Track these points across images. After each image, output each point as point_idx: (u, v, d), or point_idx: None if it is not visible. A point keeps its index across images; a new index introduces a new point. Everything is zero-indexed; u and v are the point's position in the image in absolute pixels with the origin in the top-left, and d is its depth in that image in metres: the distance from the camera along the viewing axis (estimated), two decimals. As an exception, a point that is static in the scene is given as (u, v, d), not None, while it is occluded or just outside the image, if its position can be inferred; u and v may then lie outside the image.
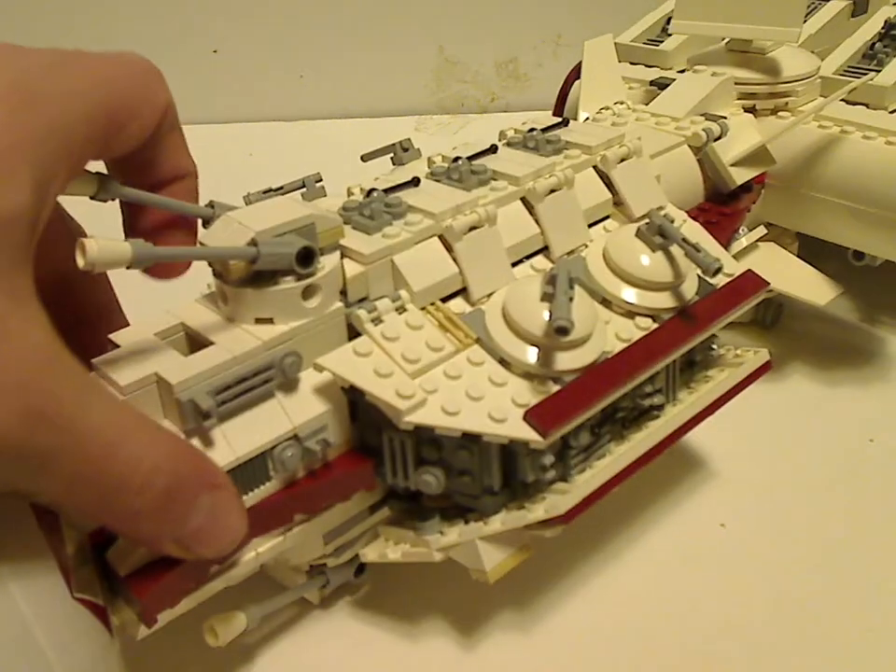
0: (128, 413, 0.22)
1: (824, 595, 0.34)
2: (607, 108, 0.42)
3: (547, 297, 0.28)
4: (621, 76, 0.46)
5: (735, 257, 0.40)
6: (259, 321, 0.27)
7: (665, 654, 0.31)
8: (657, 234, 0.30)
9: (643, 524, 0.36)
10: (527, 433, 0.26)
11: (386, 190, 0.31)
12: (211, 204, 0.25)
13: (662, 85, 0.48)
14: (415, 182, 0.32)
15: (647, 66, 0.53)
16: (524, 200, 0.32)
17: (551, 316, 0.27)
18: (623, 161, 0.34)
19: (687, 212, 0.38)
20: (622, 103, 0.43)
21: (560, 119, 0.37)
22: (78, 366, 0.20)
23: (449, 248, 0.30)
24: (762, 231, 0.42)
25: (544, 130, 0.36)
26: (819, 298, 0.42)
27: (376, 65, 0.74)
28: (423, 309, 0.29)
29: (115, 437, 0.20)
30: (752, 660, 0.31)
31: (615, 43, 0.52)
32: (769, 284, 0.33)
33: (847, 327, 0.49)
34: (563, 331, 0.26)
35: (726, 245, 0.39)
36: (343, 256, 0.28)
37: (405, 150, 0.40)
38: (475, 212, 0.30)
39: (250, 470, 0.26)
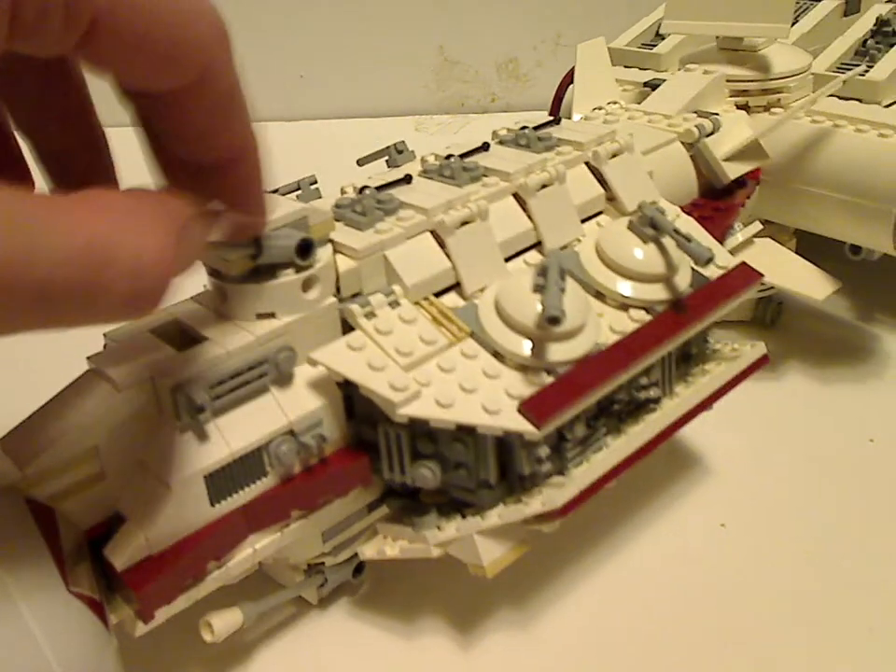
0: (99, 217, 0.18)
1: (824, 594, 0.33)
2: (600, 108, 0.43)
3: (538, 288, 0.28)
4: (614, 78, 0.47)
5: (731, 253, 0.40)
6: (259, 316, 0.27)
7: (664, 652, 0.31)
8: (649, 226, 0.31)
9: (641, 523, 0.36)
10: (522, 425, 0.26)
11: (379, 188, 0.32)
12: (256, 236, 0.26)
13: (654, 86, 0.48)
14: (407, 179, 0.32)
15: (641, 69, 0.53)
16: (516, 196, 0.32)
17: (542, 307, 0.27)
18: (614, 156, 0.35)
19: (681, 208, 0.38)
20: (615, 102, 0.43)
21: (552, 119, 0.37)
22: (25, 195, 0.17)
23: (441, 244, 0.30)
24: (757, 226, 0.42)
25: (536, 128, 0.36)
26: (818, 293, 0.42)
27: (376, 65, 0.74)
28: (416, 304, 0.29)
29: (97, 261, 0.17)
30: (753, 660, 0.31)
31: (609, 48, 0.52)
32: (763, 276, 0.33)
33: (846, 325, 0.49)
34: (554, 321, 0.26)
35: (721, 240, 0.39)
36: (335, 252, 0.29)
37: (399, 152, 0.40)
38: (467, 207, 0.30)
39: (246, 466, 0.26)
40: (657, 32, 0.58)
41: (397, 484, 0.29)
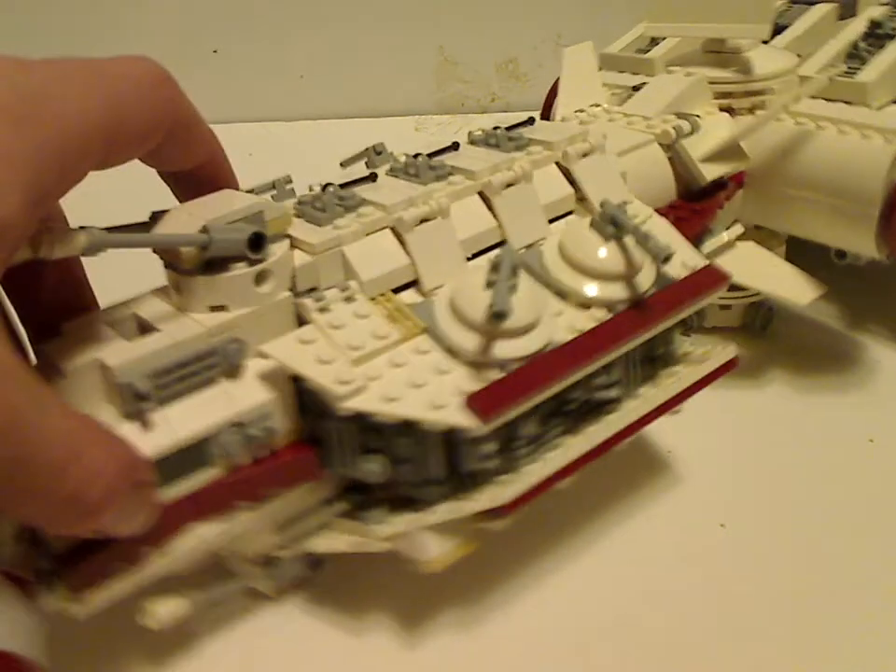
0: (84, 425, 0.22)
1: (825, 595, 0.33)
2: (581, 111, 0.42)
3: (490, 284, 0.28)
4: (601, 82, 0.46)
5: (709, 255, 0.40)
6: (212, 309, 0.27)
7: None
8: (610, 224, 0.30)
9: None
10: (466, 420, 0.26)
11: (343, 185, 0.32)
12: (205, 229, 0.26)
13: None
14: (373, 177, 0.32)
15: (633, 74, 0.53)
16: (481, 194, 0.32)
17: (490, 303, 0.27)
18: (585, 156, 0.35)
19: (658, 210, 0.38)
20: (597, 105, 0.43)
21: (526, 119, 0.37)
22: (34, 377, 0.21)
23: (401, 240, 0.30)
24: (739, 229, 0.41)
25: (508, 128, 0.36)
26: (801, 298, 0.41)
27: (376, 65, 0.74)
28: (373, 300, 0.29)
29: (70, 452, 0.21)
30: (753, 659, 0.31)
31: (602, 54, 0.52)
32: (731, 277, 0.33)
33: (836, 333, 0.48)
34: (500, 316, 0.26)
35: (695, 241, 0.39)
36: (293, 247, 0.29)
37: (378, 153, 0.40)
38: (427, 204, 0.30)
39: (191, 455, 0.26)
40: (651, 39, 0.57)
41: (350, 478, 0.29)
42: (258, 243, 0.27)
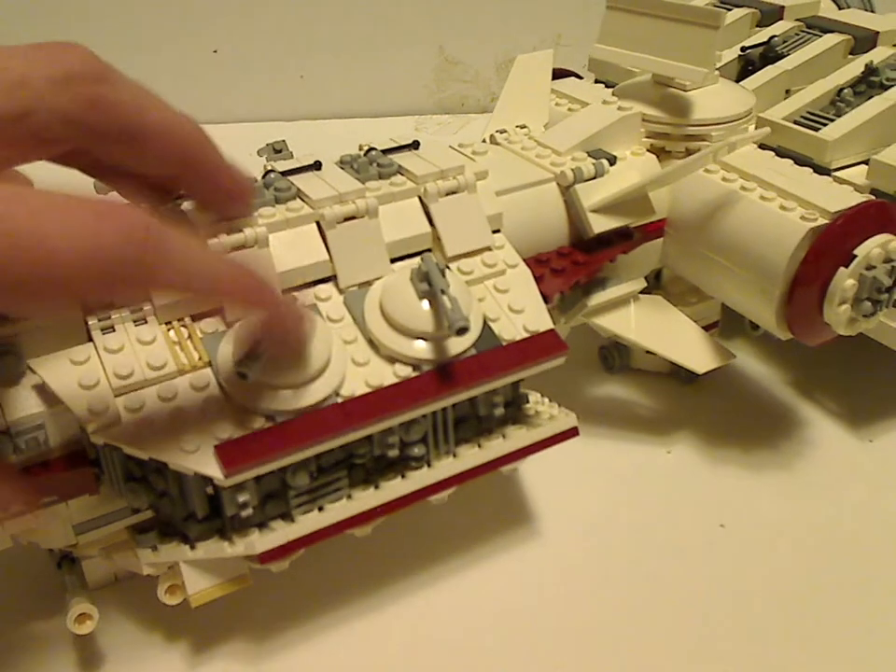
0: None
1: (824, 595, 0.34)
2: (503, 131, 0.40)
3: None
4: (548, 97, 0.43)
5: (597, 308, 0.38)
6: None
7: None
8: (424, 281, 0.29)
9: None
10: (212, 469, 0.26)
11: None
12: None
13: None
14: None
15: (606, 87, 0.50)
16: (318, 225, 0.31)
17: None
18: (450, 194, 0.33)
19: (541, 255, 0.36)
20: (523, 126, 0.41)
21: (410, 142, 0.35)
22: None
23: (214, 266, 0.29)
24: (640, 283, 0.39)
25: (386, 150, 0.35)
26: (698, 365, 0.38)
27: (376, 65, 0.75)
28: (168, 324, 0.29)
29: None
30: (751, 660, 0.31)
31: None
32: (566, 348, 0.31)
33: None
34: (243, 376, 0.25)
35: (583, 291, 0.37)
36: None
37: (277, 151, 0.40)
38: (243, 233, 0.29)
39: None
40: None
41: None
42: None
